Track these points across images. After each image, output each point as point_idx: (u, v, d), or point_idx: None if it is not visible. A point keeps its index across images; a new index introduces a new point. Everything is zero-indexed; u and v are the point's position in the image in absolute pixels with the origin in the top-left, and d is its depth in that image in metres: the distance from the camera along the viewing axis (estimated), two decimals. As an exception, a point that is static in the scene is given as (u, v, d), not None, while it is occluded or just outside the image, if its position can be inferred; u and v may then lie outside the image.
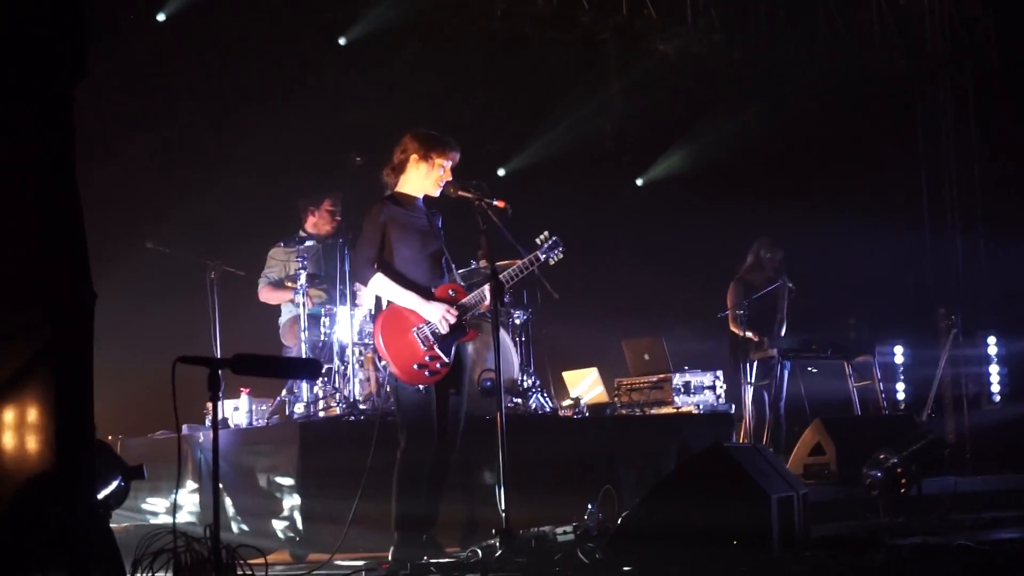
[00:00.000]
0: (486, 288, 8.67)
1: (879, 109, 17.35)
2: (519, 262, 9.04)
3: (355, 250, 8.92)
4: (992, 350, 15.23)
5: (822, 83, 16.63)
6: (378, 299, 8.81)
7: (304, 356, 11.06)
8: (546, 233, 9.14)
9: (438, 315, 8.64)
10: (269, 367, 6.36)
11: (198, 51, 13.64)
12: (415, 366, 8.55)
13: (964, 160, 17.46)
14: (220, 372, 5.71)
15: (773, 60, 16.66)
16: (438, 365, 8.61)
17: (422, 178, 8.87)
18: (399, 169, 8.93)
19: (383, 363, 8.52)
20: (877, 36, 16.99)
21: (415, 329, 8.60)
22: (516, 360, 11.87)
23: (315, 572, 8.70)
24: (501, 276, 8.73)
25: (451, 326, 8.65)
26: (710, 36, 16.24)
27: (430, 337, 8.60)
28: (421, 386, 8.60)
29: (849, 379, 13.89)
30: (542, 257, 9.09)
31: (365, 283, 8.78)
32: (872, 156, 17.04)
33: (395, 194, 8.91)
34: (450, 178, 8.90)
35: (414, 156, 8.86)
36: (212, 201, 13.36)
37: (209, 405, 11.45)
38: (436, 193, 8.92)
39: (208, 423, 11.54)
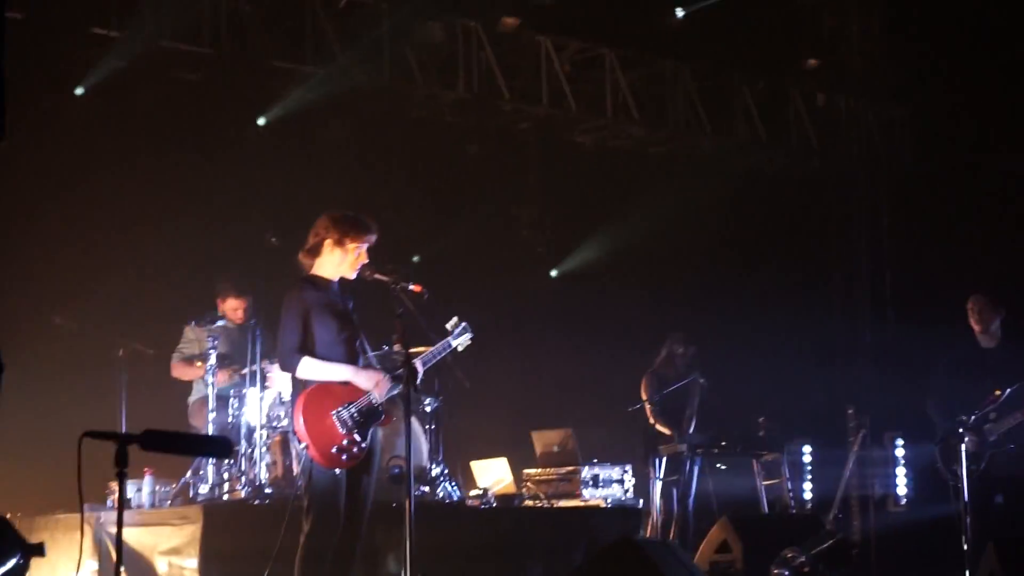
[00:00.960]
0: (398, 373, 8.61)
1: (795, 207, 17.49)
2: (431, 348, 8.99)
3: (279, 339, 8.70)
4: (899, 452, 15.29)
5: (738, 179, 16.77)
6: (296, 380, 8.63)
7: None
8: (455, 319, 9.12)
9: (373, 382, 8.54)
10: (179, 444, 6.20)
11: (116, 126, 13.52)
12: (333, 449, 8.41)
13: (876, 261, 17.60)
14: (127, 448, 5.58)
15: (690, 154, 16.78)
16: (355, 449, 8.48)
17: (337, 262, 8.76)
18: (314, 252, 8.79)
19: (302, 445, 8.35)
20: (794, 135, 17.19)
21: (335, 412, 8.46)
22: (425, 447, 11.78)
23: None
24: (416, 361, 8.67)
25: (368, 411, 8.54)
26: (628, 129, 16.35)
27: (349, 420, 8.47)
28: (337, 470, 8.46)
29: (757, 477, 13.86)
30: (452, 343, 9.05)
31: (293, 371, 8.55)
32: (786, 253, 17.16)
33: (311, 277, 8.79)
34: (366, 260, 8.81)
35: (329, 240, 8.73)
36: (124, 277, 13.23)
37: (112, 484, 11.37)
38: (352, 276, 8.82)
39: (110, 503, 11.36)
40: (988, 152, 16.77)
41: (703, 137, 16.78)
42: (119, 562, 5.82)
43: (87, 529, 10.69)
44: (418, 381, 8.76)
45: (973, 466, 11.17)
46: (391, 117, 15.28)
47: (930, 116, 17.43)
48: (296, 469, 10.52)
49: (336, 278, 8.80)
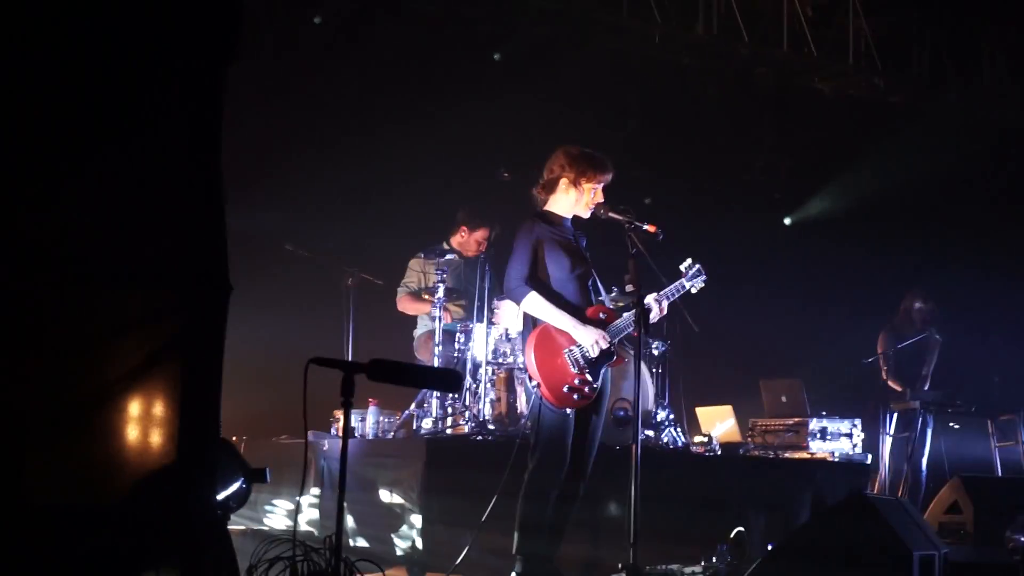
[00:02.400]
0: (631, 314, 8.41)
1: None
2: (665, 289, 8.78)
3: (508, 268, 8.54)
4: None
5: (984, 132, 16.24)
6: (528, 317, 8.49)
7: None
8: (689, 260, 8.89)
9: (591, 340, 8.35)
10: (406, 375, 6.14)
11: (355, 57, 13.51)
12: (565, 388, 8.26)
13: None
14: (353, 377, 5.50)
15: (934, 105, 16.28)
16: (587, 389, 8.32)
17: (573, 200, 8.57)
18: (549, 188, 8.63)
19: (533, 383, 8.21)
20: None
21: (567, 351, 8.31)
22: (651, 391, 11.62)
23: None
24: (652, 299, 8.49)
25: (601, 351, 8.37)
26: (871, 78, 15.90)
27: (581, 360, 8.31)
28: (568, 410, 8.31)
29: (992, 438, 13.50)
30: (687, 284, 8.84)
31: (519, 302, 8.41)
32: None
33: (545, 212, 8.62)
34: (601, 199, 8.61)
35: (566, 179, 8.55)
36: (356, 208, 13.27)
37: (336, 413, 11.44)
38: (586, 215, 8.62)
39: (334, 431, 11.42)
40: None
41: (947, 88, 16.25)
42: (342, 489, 5.73)
43: (310, 456, 10.74)
44: (655, 319, 8.57)
45: None
46: (628, 57, 15.04)
47: None
48: (521, 407, 10.46)
49: (570, 215, 8.62)
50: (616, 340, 8.47)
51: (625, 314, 8.53)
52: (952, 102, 16.20)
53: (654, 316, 8.61)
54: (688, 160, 15.56)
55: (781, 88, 16.02)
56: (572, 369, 8.27)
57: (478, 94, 13.96)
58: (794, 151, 16.22)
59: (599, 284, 8.69)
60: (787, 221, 16.53)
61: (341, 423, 11.30)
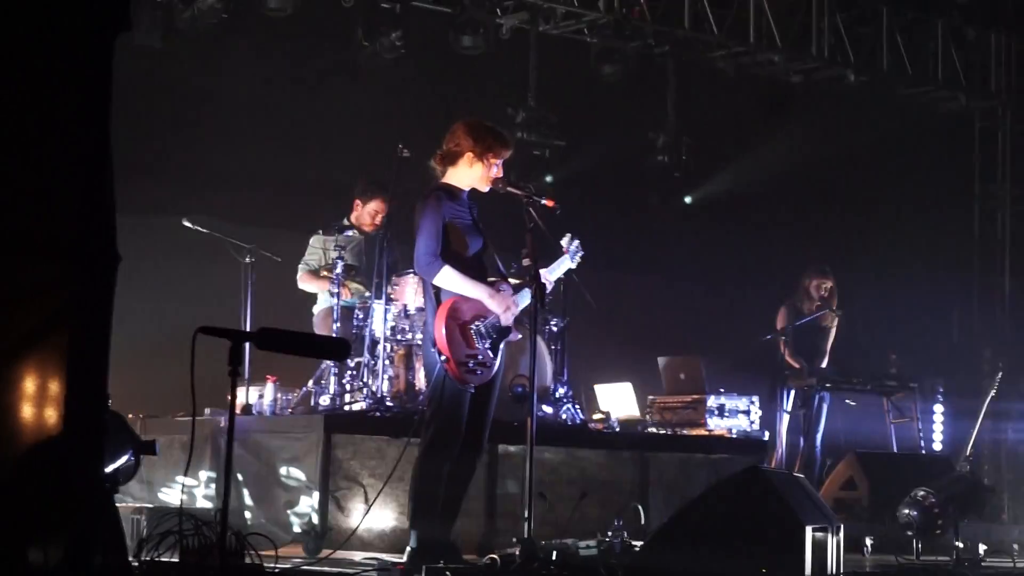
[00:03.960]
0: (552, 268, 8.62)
1: (938, 143, 17.15)
2: (552, 265, 8.83)
3: (418, 243, 8.48)
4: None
5: (880, 112, 16.41)
6: (430, 294, 8.45)
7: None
8: (569, 236, 8.91)
9: (504, 307, 8.40)
10: (295, 344, 6.09)
11: (256, 28, 13.40)
12: (470, 363, 8.26)
13: (1019, 201, 17.24)
14: (241, 347, 5.47)
15: (832, 85, 16.41)
16: (488, 365, 8.34)
17: (476, 175, 8.54)
18: (450, 160, 8.57)
19: (442, 357, 8.18)
20: (940, 70, 16.75)
21: (473, 326, 8.32)
22: (550, 368, 11.63)
23: (327, 569, 8.44)
24: (545, 273, 8.52)
25: (502, 328, 8.39)
26: (770, 56, 15.98)
27: (487, 334, 8.33)
28: (470, 385, 8.31)
29: (887, 415, 13.64)
30: (570, 261, 8.90)
31: (432, 277, 8.36)
32: (925, 191, 16.82)
33: (448, 186, 8.57)
34: (502, 174, 8.60)
35: (470, 153, 8.50)
36: (255, 185, 13.19)
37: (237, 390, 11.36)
38: (485, 189, 8.61)
39: (233, 408, 11.33)
40: None
41: (846, 68, 16.37)
42: (228, 462, 5.68)
43: (207, 434, 10.68)
44: (547, 296, 8.61)
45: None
46: (528, 35, 15.03)
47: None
48: (419, 383, 10.44)
49: (469, 188, 8.60)
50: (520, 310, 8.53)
51: (523, 289, 8.58)
52: (850, 82, 16.32)
53: (548, 290, 8.66)
54: (589, 139, 15.55)
55: (682, 67, 16.05)
56: (478, 344, 8.28)
57: (377, 71, 13.92)
58: (695, 130, 16.28)
59: (497, 259, 8.70)
60: (688, 200, 16.58)
61: (237, 400, 11.32)
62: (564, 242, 8.90)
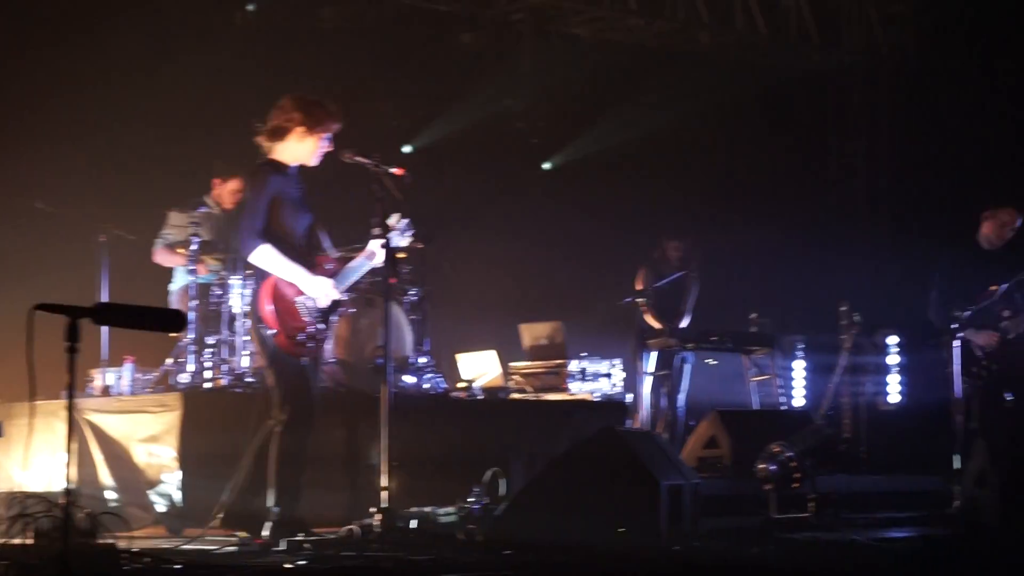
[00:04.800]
0: (363, 254, 8.58)
1: (794, 102, 17.37)
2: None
3: (242, 219, 8.43)
4: (893, 351, 15.14)
5: (736, 73, 16.56)
6: (259, 268, 8.44)
7: (189, 323, 10.71)
8: (397, 215, 8.79)
9: (322, 291, 8.39)
10: (131, 317, 6.05)
11: (98, 9, 13.26)
12: (300, 336, 8.29)
13: (874, 158, 17.50)
14: (78, 322, 5.43)
15: (688, 48, 16.54)
16: (320, 337, 8.37)
17: (305, 149, 8.48)
18: (278, 135, 8.49)
19: (270, 332, 8.18)
20: (794, 30, 16.93)
21: (298, 300, 8.33)
22: (409, 338, 11.62)
23: (187, 547, 8.40)
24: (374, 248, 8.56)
25: (332, 301, 8.42)
26: (626, 20, 16.06)
27: (313, 309, 8.33)
28: (304, 359, 8.32)
29: (747, 373, 13.77)
30: (394, 241, 8.77)
31: (247, 255, 8.35)
32: (784, 149, 17.03)
33: (276, 162, 8.51)
34: (331, 149, 8.55)
35: (300, 127, 8.43)
36: (107, 163, 13.06)
37: (92, 371, 11.26)
38: (314, 163, 8.57)
39: (89, 390, 11.24)
40: (994, 49, 16.50)
41: (701, 30, 16.50)
42: (69, 439, 5.63)
43: (63, 415, 10.54)
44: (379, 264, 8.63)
45: (995, 365, 11.34)
46: (384, 5, 14.99)
47: (933, 11, 17.13)
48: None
49: (297, 164, 8.55)
50: (344, 287, 8.51)
51: (352, 261, 8.57)
52: (705, 46, 16.46)
53: (377, 262, 8.64)
54: (447, 108, 15.55)
55: (539, 33, 16.09)
56: (305, 317, 8.29)
57: (234, 45, 13.83)
58: (553, 97, 16.33)
59: (325, 235, 8.66)
60: (545, 166, 16.63)
61: (96, 381, 11.23)
62: (391, 221, 8.77)
